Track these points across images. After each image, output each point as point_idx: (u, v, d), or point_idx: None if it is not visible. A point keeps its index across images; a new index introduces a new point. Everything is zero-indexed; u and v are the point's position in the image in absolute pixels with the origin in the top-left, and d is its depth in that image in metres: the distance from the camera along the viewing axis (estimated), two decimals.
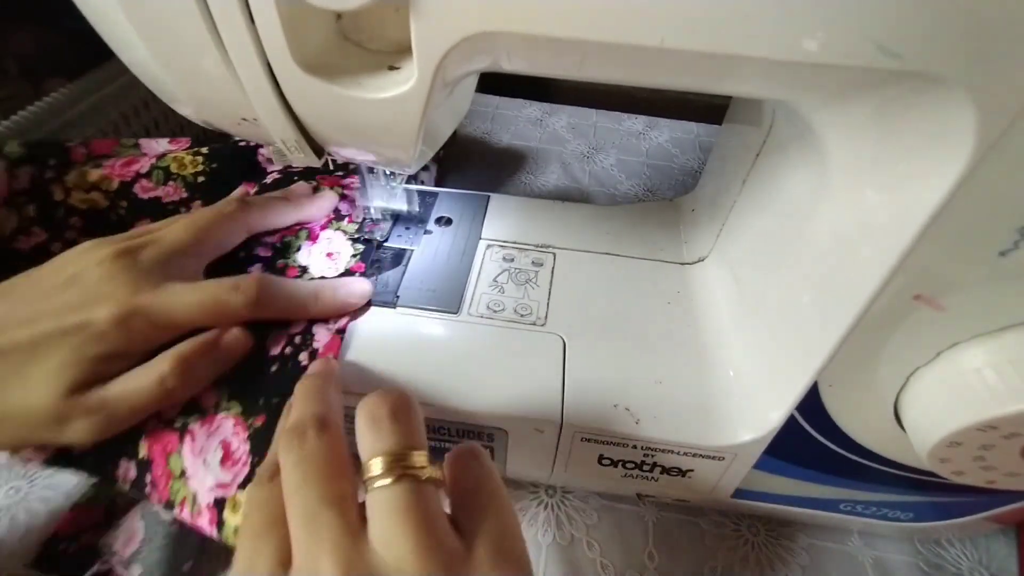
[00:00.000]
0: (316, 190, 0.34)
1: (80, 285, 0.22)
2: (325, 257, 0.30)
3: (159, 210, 0.33)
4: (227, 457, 0.22)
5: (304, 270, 0.30)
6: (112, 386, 0.22)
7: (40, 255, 0.29)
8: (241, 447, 0.22)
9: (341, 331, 0.26)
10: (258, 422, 0.23)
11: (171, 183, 0.33)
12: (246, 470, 0.22)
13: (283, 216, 0.31)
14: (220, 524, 0.21)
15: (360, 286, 0.28)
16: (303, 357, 0.25)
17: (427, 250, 0.32)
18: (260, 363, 0.25)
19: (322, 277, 0.29)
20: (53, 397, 0.21)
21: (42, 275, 0.23)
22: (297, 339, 0.26)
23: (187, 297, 0.23)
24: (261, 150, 0.36)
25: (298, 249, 0.30)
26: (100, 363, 0.22)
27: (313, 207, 0.32)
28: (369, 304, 0.29)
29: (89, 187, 0.32)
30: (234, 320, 0.25)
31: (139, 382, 0.22)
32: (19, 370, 0.21)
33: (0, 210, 0.30)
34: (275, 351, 0.25)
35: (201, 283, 0.24)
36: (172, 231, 0.25)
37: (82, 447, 0.22)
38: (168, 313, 0.23)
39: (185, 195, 0.34)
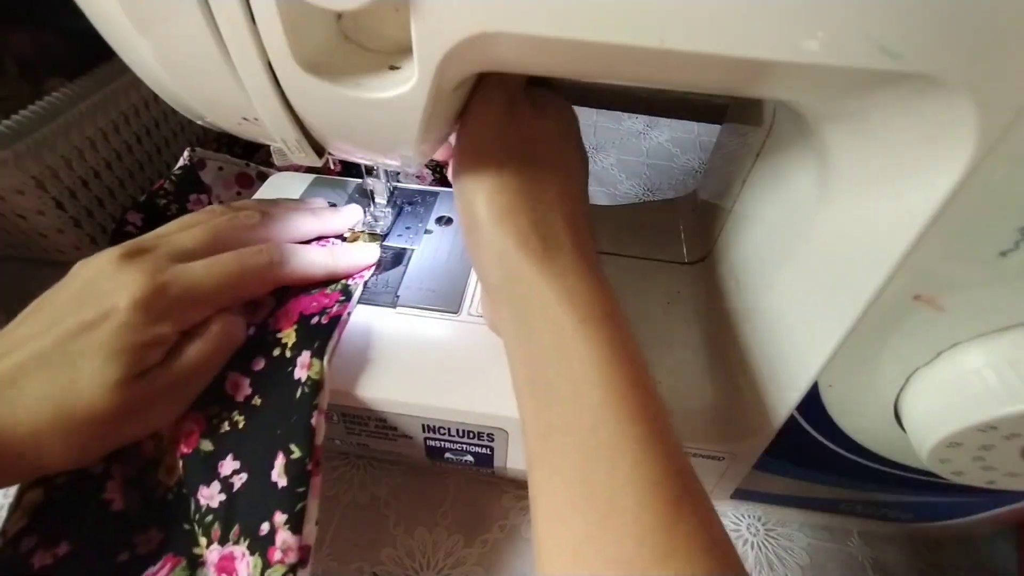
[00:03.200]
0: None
1: (95, 286, 0.22)
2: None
3: None
4: None
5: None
6: (176, 362, 0.22)
7: None
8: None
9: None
10: None
11: None
12: None
13: (304, 228, 0.29)
14: None
15: (369, 249, 0.30)
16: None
17: (427, 250, 0.32)
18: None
19: None
20: (112, 392, 0.20)
21: (57, 292, 0.23)
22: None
23: (211, 266, 0.23)
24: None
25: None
26: (140, 352, 0.21)
27: (336, 219, 0.31)
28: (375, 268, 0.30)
29: None
30: (260, 286, 0.25)
31: (199, 346, 0.23)
32: (61, 377, 0.20)
33: None
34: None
35: (219, 255, 0.24)
36: (188, 234, 0.25)
37: (158, 430, 0.23)
38: (193, 285, 0.23)
39: None
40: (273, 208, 0.28)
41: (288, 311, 0.26)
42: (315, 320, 0.26)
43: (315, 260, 0.27)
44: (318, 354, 0.24)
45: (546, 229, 0.21)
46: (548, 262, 0.20)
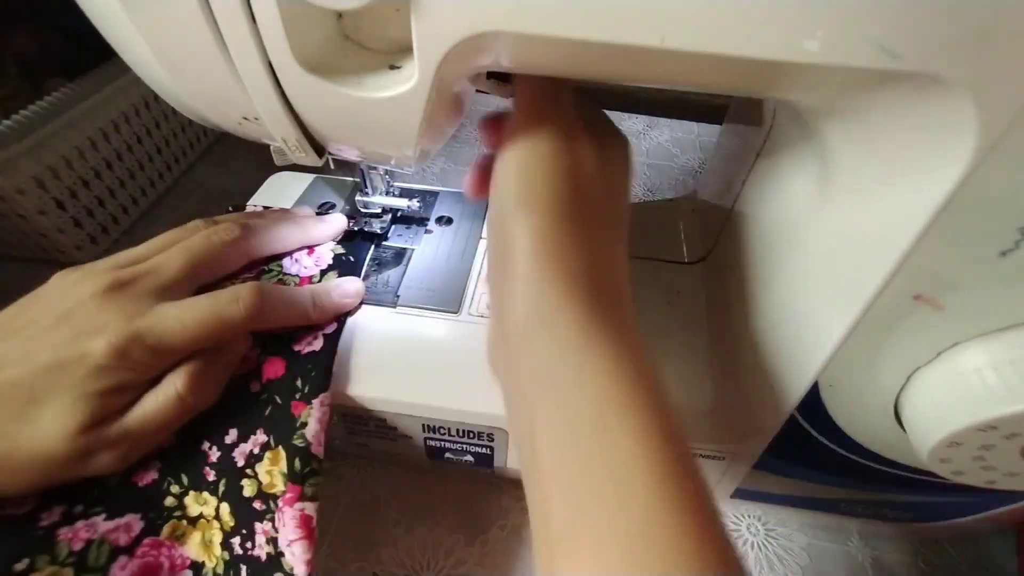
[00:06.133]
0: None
1: (75, 319, 0.22)
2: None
3: None
4: None
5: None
6: (130, 416, 0.22)
7: None
8: None
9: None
10: None
11: None
12: None
13: (288, 240, 0.29)
14: None
15: (353, 285, 0.28)
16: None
17: (428, 249, 0.32)
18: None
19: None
20: (69, 438, 0.20)
21: (33, 312, 0.22)
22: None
23: (185, 317, 0.22)
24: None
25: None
26: (106, 398, 0.21)
27: (320, 229, 0.30)
28: (361, 304, 0.29)
29: None
30: (235, 334, 0.24)
31: (156, 404, 0.22)
32: (24, 413, 0.20)
33: None
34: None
35: (195, 300, 0.23)
36: (169, 262, 0.24)
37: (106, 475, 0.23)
38: (167, 336, 0.22)
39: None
40: (253, 220, 0.28)
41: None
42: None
43: (294, 301, 0.26)
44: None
45: (598, 277, 0.19)
46: (597, 316, 0.17)
